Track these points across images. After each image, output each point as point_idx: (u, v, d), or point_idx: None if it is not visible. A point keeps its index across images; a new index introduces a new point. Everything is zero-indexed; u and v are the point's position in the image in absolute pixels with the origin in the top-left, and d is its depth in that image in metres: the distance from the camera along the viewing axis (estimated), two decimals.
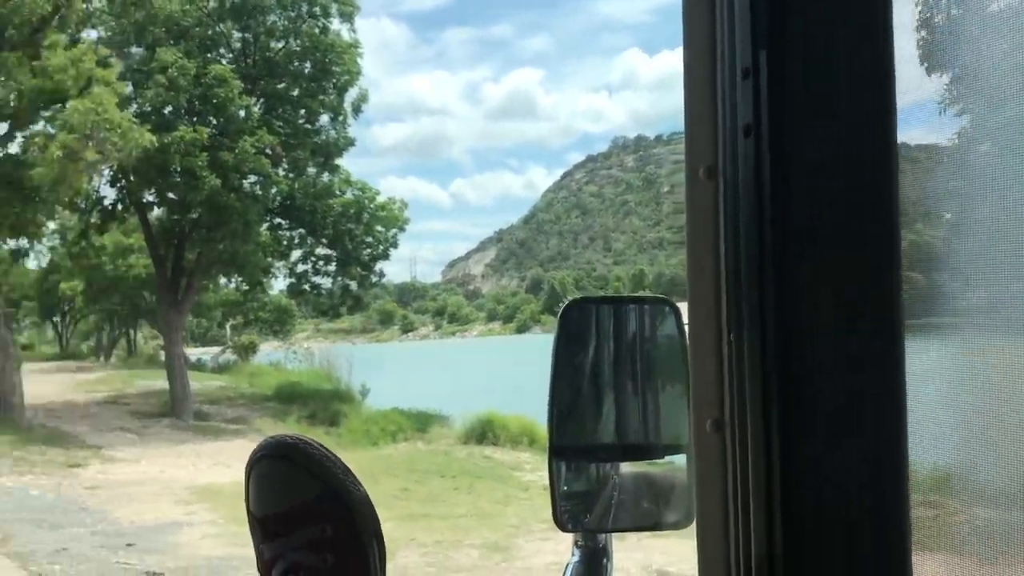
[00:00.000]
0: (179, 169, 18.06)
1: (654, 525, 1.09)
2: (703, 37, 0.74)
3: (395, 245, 25.00)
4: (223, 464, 15.02)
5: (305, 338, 49.75)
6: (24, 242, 17.43)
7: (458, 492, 12.18)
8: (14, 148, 19.15)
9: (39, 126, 16.89)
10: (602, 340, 1.01)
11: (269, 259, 23.14)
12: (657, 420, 1.00)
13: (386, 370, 39.72)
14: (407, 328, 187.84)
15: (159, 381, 27.74)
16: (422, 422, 21.41)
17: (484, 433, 18.24)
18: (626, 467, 1.05)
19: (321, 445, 0.94)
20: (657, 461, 1.05)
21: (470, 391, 31.68)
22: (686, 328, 0.85)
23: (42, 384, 26.29)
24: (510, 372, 43.83)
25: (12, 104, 15.90)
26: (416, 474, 13.65)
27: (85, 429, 18.13)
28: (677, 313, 0.96)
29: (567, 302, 1.01)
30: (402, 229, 25.04)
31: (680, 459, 0.97)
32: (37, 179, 15.11)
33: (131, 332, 49.38)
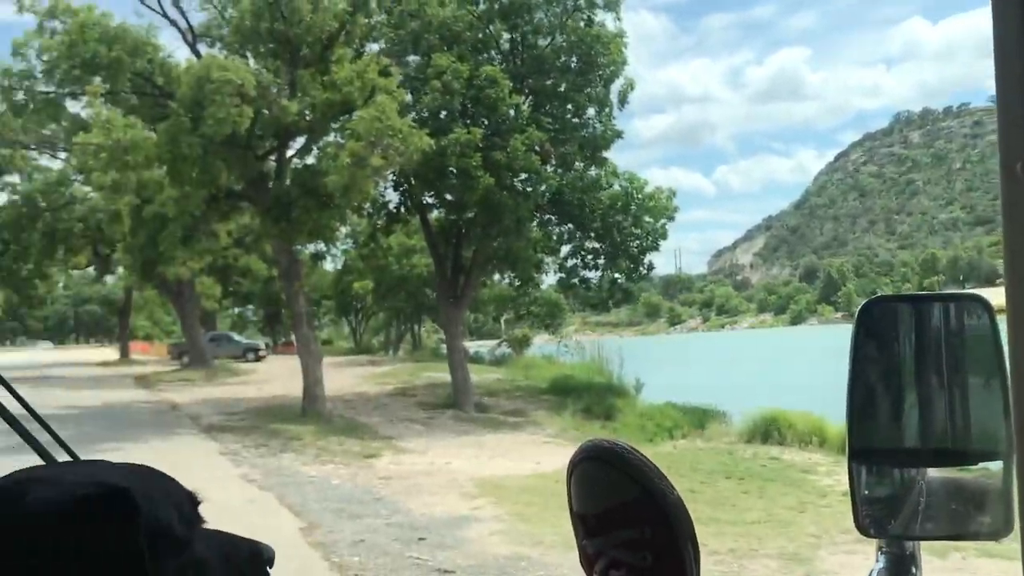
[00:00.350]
0: (455, 170, 18.65)
1: (968, 534, 1.04)
2: (1016, 18, 0.69)
3: (664, 236, 24.42)
4: (504, 456, 15.27)
5: (573, 331, 50.26)
6: (321, 246, 18.82)
7: (747, 496, 11.42)
8: (310, 159, 20.81)
9: (330, 137, 18.13)
10: (905, 339, 0.96)
11: (540, 255, 23.42)
12: (968, 424, 0.94)
13: (654, 363, 39.21)
14: (674, 321, 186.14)
15: (442, 374, 29.09)
16: (698, 418, 20.73)
17: (768, 431, 17.23)
18: (933, 472, 0.99)
19: (636, 450, 0.97)
20: (969, 467, 0.99)
21: (745, 386, 30.44)
22: (1002, 328, 0.82)
23: (340, 377, 28.45)
24: (787, 366, 41.76)
25: (307, 118, 17.12)
26: (700, 474, 13.03)
27: (377, 420, 19.24)
28: (991, 311, 0.90)
29: (866, 300, 0.98)
30: (671, 219, 24.40)
31: (992, 465, 0.91)
32: (331, 186, 16.17)
33: (415, 327, 52.50)
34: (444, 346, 48.11)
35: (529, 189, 20.17)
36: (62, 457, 0.94)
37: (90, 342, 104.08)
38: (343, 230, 19.18)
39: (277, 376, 31.72)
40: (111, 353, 57.05)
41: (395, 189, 22.11)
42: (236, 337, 47.33)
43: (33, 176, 35.03)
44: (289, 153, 20.15)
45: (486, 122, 19.37)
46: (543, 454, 15.53)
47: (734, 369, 44.73)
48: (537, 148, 19.43)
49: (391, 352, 50.03)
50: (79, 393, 24.15)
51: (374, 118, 15.36)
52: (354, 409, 21.17)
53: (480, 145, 18.48)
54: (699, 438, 18.93)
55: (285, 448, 14.74)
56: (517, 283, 25.84)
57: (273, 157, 19.58)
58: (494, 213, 19.12)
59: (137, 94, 17.10)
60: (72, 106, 17.48)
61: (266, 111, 16.98)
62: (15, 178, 35.82)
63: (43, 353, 74.34)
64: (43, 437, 1.00)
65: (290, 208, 17.09)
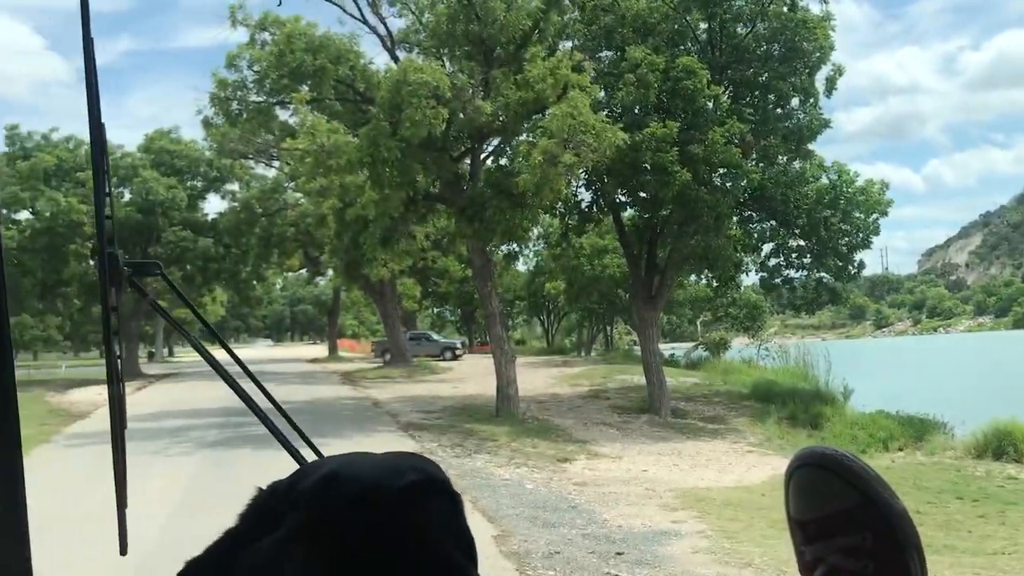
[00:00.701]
0: (650, 166, 18.02)
1: None
2: None
3: (876, 232, 22.72)
4: (704, 466, 14.52)
5: (772, 334, 48.10)
6: (514, 246, 18.73)
7: (985, 521, 10.14)
8: (503, 160, 20.82)
9: (523, 137, 18.00)
10: None
11: (740, 254, 22.32)
12: None
13: (862, 369, 36.71)
14: (880, 323, 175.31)
15: (635, 376, 28.46)
16: (916, 429, 19.05)
17: (1001, 446, 15.48)
18: None
19: (856, 456, 0.95)
20: None
21: (966, 394, 27.85)
22: None
23: (533, 377, 28.45)
24: (1015, 373, 37.90)
25: (501, 118, 17.06)
26: (926, 493, 11.79)
27: (571, 423, 18.94)
28: None
29: None
30: (884, 214, 22.67)
31: None
32: (523, 185, 15.99)
33: (608, 329, 52.08)
34: (637, 348, 47.40)
35: (729, 184, 19.20)
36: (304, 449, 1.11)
37: (304, 339, 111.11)
38: (535, 231, 18.97)
39: (472, 375, 32.21)
40: (321, 350, 60.38)
41: (587, 188, 21.76)
42: (435, 336, 48.73)
43: (250, 184, 37.55)
44: (483, 154, 20.29)
45: (683, 115, 18.61)
46: (747, 464, 14.65)
47: (952, 376, 41.26)
48: (737, 141, 18.46)
49: (583, 353, 49.87)
50: (290, 388, 25.43)
51: (567, 115, 15.04)
52: (548, 410, 20.99)
53: (676, 139, 17.76)
54: (918, 451, 17.34)
55: (479, 448, 14.69)
56: (715, 283, 24.79)
57: (467, 159, 19.75)
58: (691, 210, 18.33)
59: (340, 100, 17.69)
60: (281, 114, 18.38)
61: (461, 113, 17.07)
62: (235, 186, 38.58)
63: (263, 350, 79.97)
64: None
65: (483, 208, 17.09)
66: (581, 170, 16.71)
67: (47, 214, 31.90)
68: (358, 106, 17.80)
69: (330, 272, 43.83)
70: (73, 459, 13.88)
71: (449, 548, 0.75)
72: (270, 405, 1.30)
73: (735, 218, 21.41)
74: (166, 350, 68.43)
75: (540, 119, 16.50)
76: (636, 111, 18.60)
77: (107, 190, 1.29)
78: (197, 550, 0.80)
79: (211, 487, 11.08)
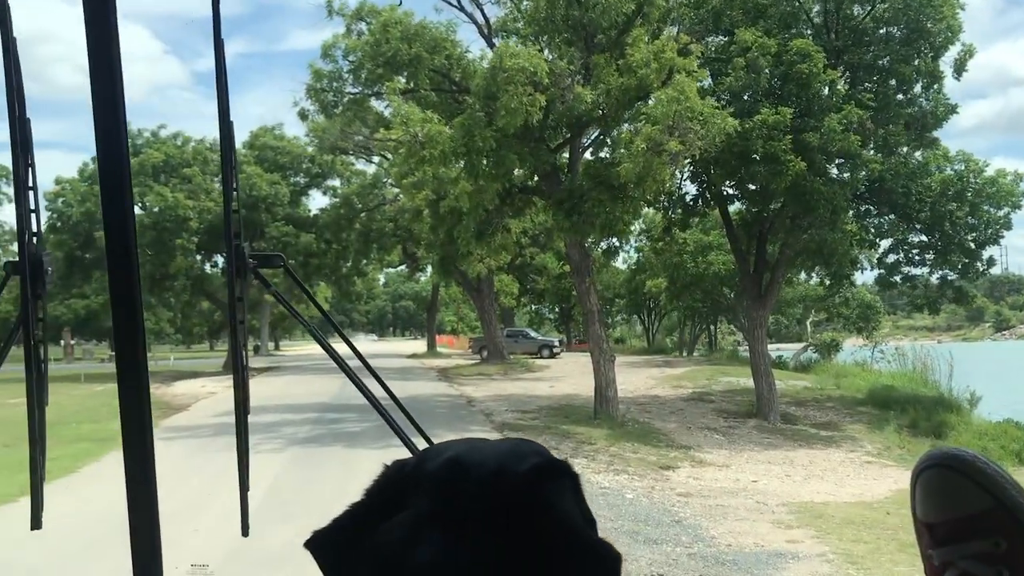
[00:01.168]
0: (760, 155, 16.92)
1: None
2: None
3: (1007, 226, 21.13)
4: (820, 477, 13.44)
5: (883, 336, 45.72)
6: (614, 242, 17.91)
7: None
8: (603, 153, 20.03)
9: (624, 126, 17.16)
10: None
11: (855, 250, 20.93)
12: None
13: (984, 374, 34.29)
14: (1000, 326, 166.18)
15: (741, 379, 27.24)
16: None
17: None
18: None
19: (989, 459, 0.93)
20: None
21: None
22: None
23: (633, 377, 27.55)
24: None
25: (601, 106, 16.28)
26: None
27: (673, 427, 18.02)
28: None
29: None
30: (1016, 207, 20.92)
31: None
32: (624, 175, 15.16)
33: (711, 328, 50.52)
34: (742, 348, 45.80)
35: (846, 175, 17.91)
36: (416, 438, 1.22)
37: (405, 335, 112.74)
38: (636, 225, 18.01)
39: (570, 374, 31.49)
40: (420, 346, 60.64)
41: (692, 180, 20.79)
42: (532, 333, 48.12)
43: (351, 180, 37.73)
44: (581, 146, 19.53)
45: (796, 101, 17.45)
46: (867, 476, 13.50)
47: None
48: (855, 128, 17.18)
49: (684, 353, 48.51)
50: (388, 385, 25.17)
51: (672, 99, 14.14)
52: (648, 413, 20.11)
53: (789, 127, 16.64)
54: None
55: (577, 452, 13.97)
56: (829, 281, 23.38)
57: (566, 150, 19.04)
58: (805, 202, 17.15)
59: (436, 91, 17.20)
60: (377, 106, 18.02)
61: (559, 102, 16.37)
62: (336, 182, 38.85)
63: (366, 344, 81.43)
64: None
65: (582, 201, 16.34)
66: (687, 159, 15.74)
67: (155, 209, 32.65)
68: (454, 96, 17.29)
69: (429, 268, 43.87)
70: (162, 453, 13.79)
71: (578, 522, 0.77)
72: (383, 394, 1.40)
73: (851, 212, 20.06)
74: (271, 343, 70.00)
75: (643, 107, 15.61)
76: (746, 97, 17.53)
77: (235, 186, 1.42)
78: None
79: (297, 489, 10.70)
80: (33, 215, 1.28)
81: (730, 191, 20.18)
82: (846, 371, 30.37)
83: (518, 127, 15.04)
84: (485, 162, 15.81)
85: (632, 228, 18.68)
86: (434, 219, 18.36)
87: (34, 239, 1.29)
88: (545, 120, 16.76)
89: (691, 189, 20.79)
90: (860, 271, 23.21)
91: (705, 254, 33.91)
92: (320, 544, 0.82)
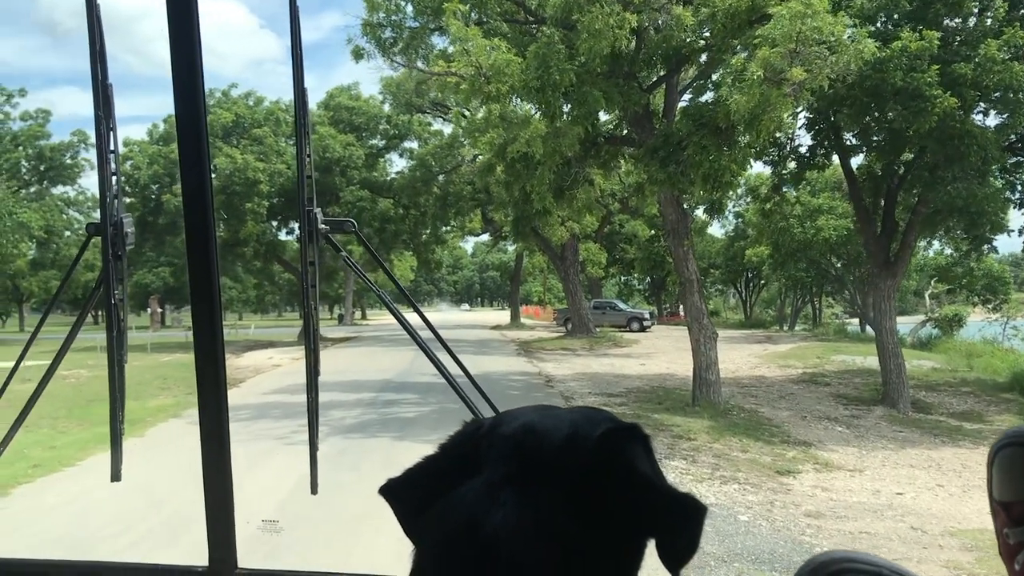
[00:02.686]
0: (897, 92, 13.93)
1: None
2: None
3: None
4: (979, 487, 10.62)
5: (1013, 310, 41.39)
6: (717, 198, 15.12)
7: None
8: (704, 98, 17.31)
9: (733, 58, 14.36)
10: None
11: (1008, 210, 17.70)
12: None
13: None
14: None
15: (856, 357, 24.19)
16: None
17: None
18: None
19: None
20: None
21: None
22: None
23: (732, 354, 24.77)
24: None
25: (706, 28, 13.59)
26: None
27: (785, 415, 15.33)
28: None
29: None
30: None
31: None
32: (736, 109, 12.41)
33: (813, 301, 46.96)
34: (849, 323, 42.22)
35: (1006, 116, 14.74)
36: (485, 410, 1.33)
37: (493, 305, 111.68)
38: (741, 182, 15.02)
39: (662, 350, 28.83)
40: (505, 316, 58.58)
41: (809, 129, 17.91)
42: (620, 305, 45.26)
43: (427, 141, 35.52)
44: (679, 86, 16.80)
45: (944, 24, 14.38)
46: None
47: None
48: (1020, 57, 14.02)
49: (784, 327, 45.17)
50: (461, 358, 23.14)
51: (796, 16, 11.34)
52: (754, 398, 17.42)
53: (936, 55, 13.62)
54: None
55: (673, 452, 11.46)
56: (965, 247, 20.13)
57: (660, 90, 16.38)
58: (954, 148, 14.12)
59: (508, 21, 14.75)
60: (439, 42, 15.69)
61: (653, 28, 13.71)
62: (414, 144, 36.72)
63: (457, 315, 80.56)
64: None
65: (680, 148, 13.70)
66: (811, 92, 12.87)
67: (225, 172, 31.10)
68: (527, 28, 14.79)
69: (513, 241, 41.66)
70: (173, 442, 11.86)
71: (653, 480, 0.80)
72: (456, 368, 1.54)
73: (997, 165, 16.83)
74: (357, 312, 68.96)
75: (756, 31, 12.79)
76: (882, 20, 14.54)
77: (308, 152, 1.54)
78: None
79: (318, 501, 8.54)
80: (114, 178, 1.46)
81: (853, 140, 17.20)
82: (975, 350, 26.83)
83: (604, 56, 12.46)
84: (563, 100, 13.30)
85: (740, 180, 15.78)
86: (507, 172, 15.93)
87: (115, 201, 1.44)
88: (637, 52, 14.11)
89: (803, 142, 17.95)
90: (1008, 234, 19.85)
91: (814, 218, 30.72)
92: (393, 491, 0.86)
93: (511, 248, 55.58)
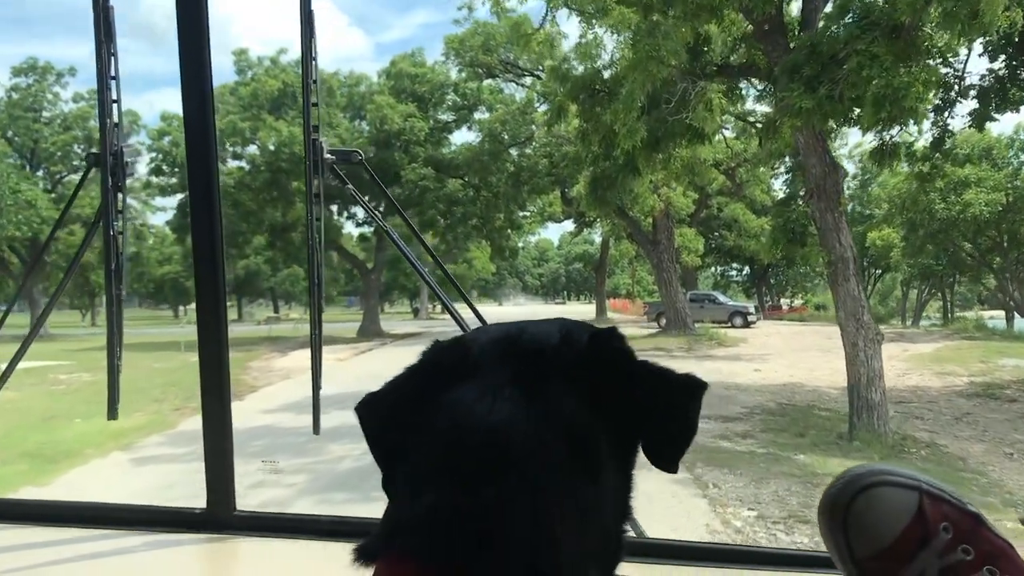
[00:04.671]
0: None
1: None
2: None
3: None
4: None
5: None
6: (891, 134, 10.53)
7: None
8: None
9: None
10: None
11: None
12: None
13: None
14: None
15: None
16: None
17: None
18: None
19: None
20: None
21: None
22: None
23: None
24: None
25: None
26: None
27: (978, 451, 10.68)
28: None
29: None
30: None
31: None
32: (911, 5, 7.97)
33: (944, 292, 41.21)
34: (990, 318, 36.43)
35: None
36: None
37: (580, 298, 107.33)
38: (928, 102, 10.28)
39: (776, 351, 24.10)
40: (590, 310, 54.16)
41: (992, 58, 13.28)
42: (721, 298, 40.24)
43: (496, 108, 31.26)
44: None
45: None
46: None
47: None
48: None
49: (910, 323, 39.62)
50: None
51: None
52: (921, 420, 12.76)
53: None
54: None
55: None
56: None
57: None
58: None
59: None
60: None
61: None
62: (484, 115, 32.51)
63: (547, 307, 77.16)
64: None
65: (835, 62, 9.27)
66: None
67: (269, 147, 27.64)
68: None
69: (598, 224, 37.22)
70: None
71: (650, 363, 0.85)
72: None
73: None
74: (431, 306, 65.49)
75: None
76: None
77: (314, 77, 1.57)
78: None
79: None
80: (115, 105, 1.43)
81: None
82: None
83: None
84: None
85: (926, 108, 11.01)
86: (582, 114, 11.58)
87: (116, 130, 1.43)
88: None
89: (973, 76, 13.24)
90: None
91: (959, 192, 25.55)
92: (361, 409, 0.87)
93: (597, 239, 51.22)
